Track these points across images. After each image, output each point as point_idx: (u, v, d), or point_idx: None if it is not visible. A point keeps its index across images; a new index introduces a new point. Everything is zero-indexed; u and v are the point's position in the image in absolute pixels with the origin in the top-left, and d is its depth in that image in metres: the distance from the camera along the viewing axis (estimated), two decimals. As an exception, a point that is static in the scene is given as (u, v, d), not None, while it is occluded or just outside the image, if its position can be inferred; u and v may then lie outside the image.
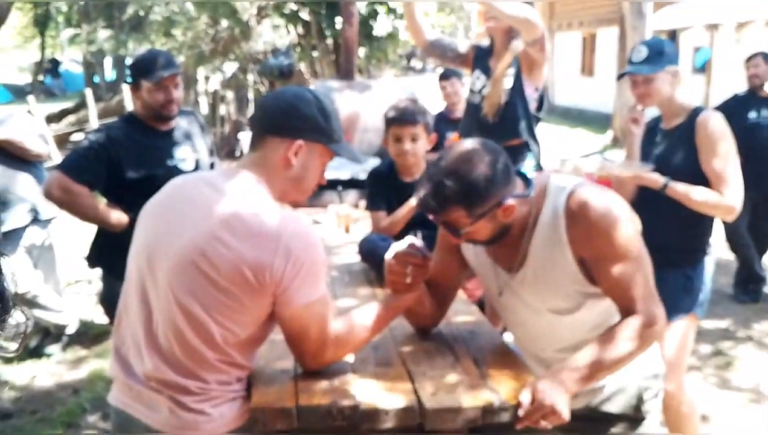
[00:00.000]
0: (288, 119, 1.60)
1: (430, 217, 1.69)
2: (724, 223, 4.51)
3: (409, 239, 1.76)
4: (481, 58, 3.29)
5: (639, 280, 1.65)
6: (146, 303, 1.58)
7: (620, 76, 2.64)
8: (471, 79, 3.31)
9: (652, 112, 2.66)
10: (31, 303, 3.92)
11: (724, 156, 2.43)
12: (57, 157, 5.31)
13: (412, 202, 2.62)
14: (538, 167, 3.21)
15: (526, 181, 1.74)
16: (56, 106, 15.63)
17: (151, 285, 1.57)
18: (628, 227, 1.64)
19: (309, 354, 1.62)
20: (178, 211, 1.58)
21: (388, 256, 1.75)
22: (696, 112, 2.51)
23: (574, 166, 2.65)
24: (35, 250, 3.89)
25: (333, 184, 3.76)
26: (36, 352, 4.06)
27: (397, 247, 1.75)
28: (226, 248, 1.48)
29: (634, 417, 1.91)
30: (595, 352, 1.62)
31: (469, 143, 1.67)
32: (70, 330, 4.16)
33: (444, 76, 4.70)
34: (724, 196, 2.41)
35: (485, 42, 3.35)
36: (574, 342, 1.75)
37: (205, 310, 1.50)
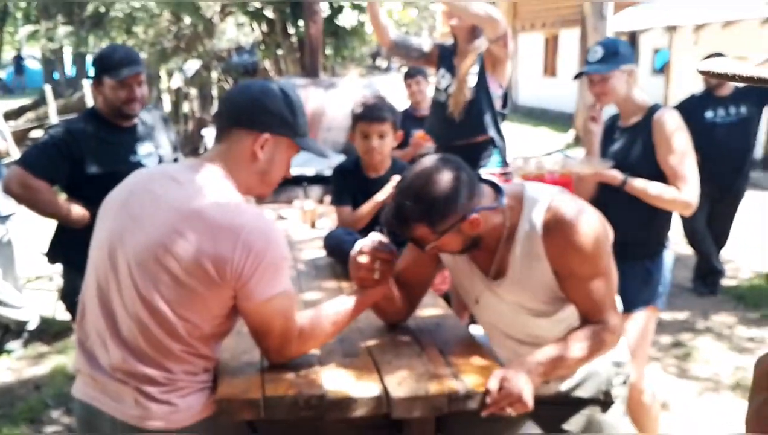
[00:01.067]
0: (255, 112, 1.60)
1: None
2: (683, 218, 4.62)
3: (375, 235, 1.78)
4: (445, 57, 3.32)
5: (606, 294, 1.74)
6: (108, 296, 1.57)
7: (577, 76, 2.69)
8: (436, 77, 3.34)
9: (610, 111, 2.71)
10: None
11: (680, 152, 2.50)
12: (15, 153, 5.19)
13: (378, 197, 2.64)
14: (503, 163, 3.26)
15: (496, 189, 1.76)
16: (15, 103, 15.30)
17: (112, 278, 1.56)
18: (602, 245, 1.71)
19: (273, 347, 1.63)
20: (140, 205, 1.57)
21: (354, 251, 1.76)
22: (652, 109, 2.57)
23: (536, 163, 2.69)
24: None
25: (298, 180, 3.76)
26: None
27: (363, 242, 1.77)
28: (187, 242, 1.48)
29: (604, 401, 1.96)
30: (559, 350, 1.70)
31: (429, 160, 1.71)
32: (31, 326, 4.09)
33: (409, 75, 4.73)
34: (681, 191, 2.48)
35: (449, 41, 3.39)
36: (548, 337, 1.79)
37: (167, 303, 1.50)
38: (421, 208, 1.63)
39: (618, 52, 2.56)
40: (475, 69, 3.16)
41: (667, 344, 4.12)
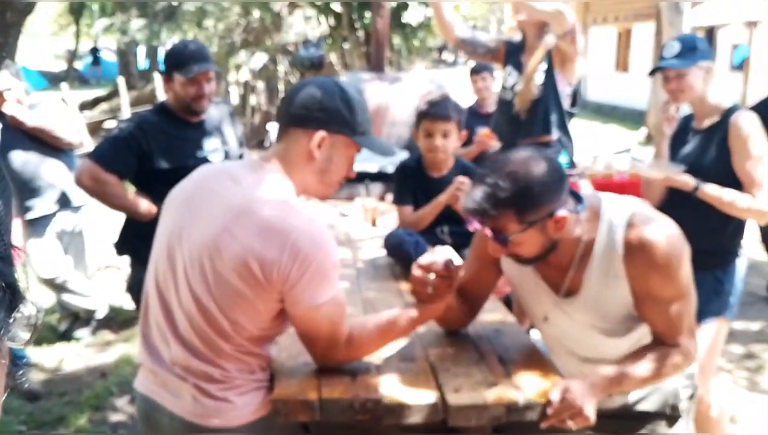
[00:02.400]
0: (310, 110, 1.57)
1: (476, 225, 1.62)
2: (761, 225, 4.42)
3: (441, 249, 1.70)
4: (512, 54, 3.25)
5: (685, 316, 1.67)
6: (167, 292, 1.59)
7: (652, 72, 2.58)
8: (503, 75, 3.28)
9: (683, 111, 2.61)
10: (61, 288, 3.99)
11: (758, 158, 2.38)
12: (89, 144, 5.37)
13: (441, 198, 2.60)
14: (571, 164, 3.18)
15: (577, 199, 1.68)
16: (90, 94, 15.87)
17: (170, 275, 1.58)
18: (686, 267, 1.63)
19: (320, 353, 1.62)
20: (199, 203, 1.58)
21: (416, 264, 1.69)
22: (729, 111, 2.46)
23: (605, 163, 2.61)
24: (65, 235, 3.94)
25: (360, 177, 3.74)
26: (65, 336, 4.14)
27: (427, 256, 1.69)
28: (236, 241, 1.47)
29: (671, 415, 1.89)
30: (627, 367, 1.64)
31: (525, 150, 1.64)
32: (99, 315, 4.23)
33: (475, 71, 4.67)
34: (757, 199, 2.36)
35: (517, 37, 3.32)
36: (616, 357, 1.72)
37: (215, 303, 1.50)
38: (515, 190, 1.53)
39: (696, 48, 2.46)
40: (543, 66, 3.08)
41: (738, 356, 3.96)
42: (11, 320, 0.51)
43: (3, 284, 0.50)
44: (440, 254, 1.68)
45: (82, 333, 4.18)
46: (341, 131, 1.60)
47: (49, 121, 3.72)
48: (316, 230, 1.51)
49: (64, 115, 3.95)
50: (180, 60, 2.75)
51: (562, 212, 1.57)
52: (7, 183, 0.58)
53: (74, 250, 4.02)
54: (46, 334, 4.13)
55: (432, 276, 1.65)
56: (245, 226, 1.48)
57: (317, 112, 1.57)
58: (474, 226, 1.65)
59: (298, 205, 1.55)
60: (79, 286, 4.06)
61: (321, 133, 1.57)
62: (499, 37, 3.53)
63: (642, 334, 1.74)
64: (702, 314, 2.42)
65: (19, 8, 3.84)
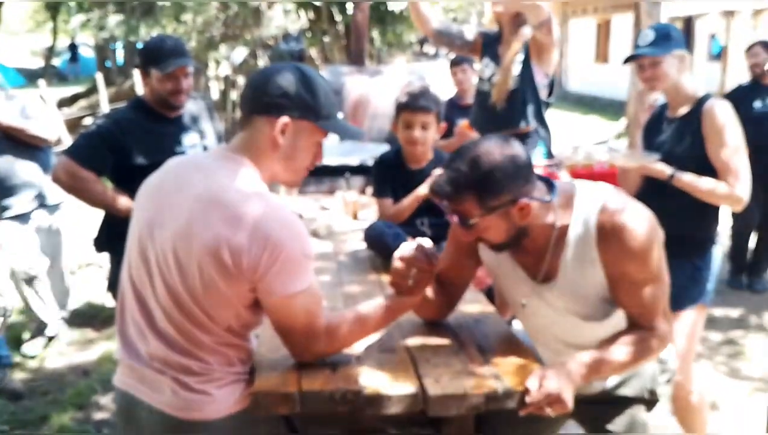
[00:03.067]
0: (271, 97, 1.55)
1: (443, 205, 1.66)
2: (736, 213, 4.49)
3: (419, 241, 1.72)
4: (489, 46, 3.26)
5: (659, 299, 1.69)
6: (142, 287, 1.58)
7: (628, 59, 2.60)
8: (480, 66, 3.29)
9: (661, 101, 2.63)
10: (29, 283, 3.85)
11: (732, 145, 2.41)
12: (67, 141, 5.32)
13: (420, 190, 2.61)
14: (549, 154, 3.19)
15: (550, 186, 1.70)
16: (68, 91, 15.69)
17: (144, 269, 1.57)
18: (658, 250, 1.65)
19: (297, 345, 1.61)
20: (167, 195, 1.57)
21: (396, 256, 1.71)
22: (702, 100, 2.48)
23: (585, 153, 2.63)
24: (42, 233, 3.87)
25: (340, 170, 3.75)
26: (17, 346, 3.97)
27: (406, 248, 1.71)
28: (205, 231, 1.46)
29: (650, 399, 1.92)
30: (603, 353, 1.66)
31: (494, 138, 1.66)
32: (49, 332, 4.00)
33: (455, 62, 4.67)
34: (733, 186, 2.39)
35: (493, 29, 3.32)
36: (593, 341, 1.74)
37: (189, 294, 1.50)
38: (475, 176, 1.57)
39: (670, 36, 2.48)
40: (520, 57, 3.09)
41: (717, 342, 4.01)
42: None
43: None
44: (420, 246, 1.70)
45: (31, 349, 3.95)
46: (304, 116, 1.57)
47: (22, 120, 3.64)
48: (286, 219, 1.50)
49: (43, 112, 3.89)
50: (157, 55, 2.73)
51: (525, 200, 1.60)
52: None
53: (51, 248, 3.95)
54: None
55: (412, 272, 1.68)
56: (214, 216, 1.47)
57: (279, 98, 1.55)
58: (452, 217, 1.66)
59: (267, 194, 1.54)
60: (44, 291, 3.93)
61: (284, 120, 1.55)
62: (476, 29, 3.53)
63: (620, 318, 1.75)
64: (680, 301, 2.45)
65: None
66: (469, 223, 1.64)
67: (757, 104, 4.47)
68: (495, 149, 1.60)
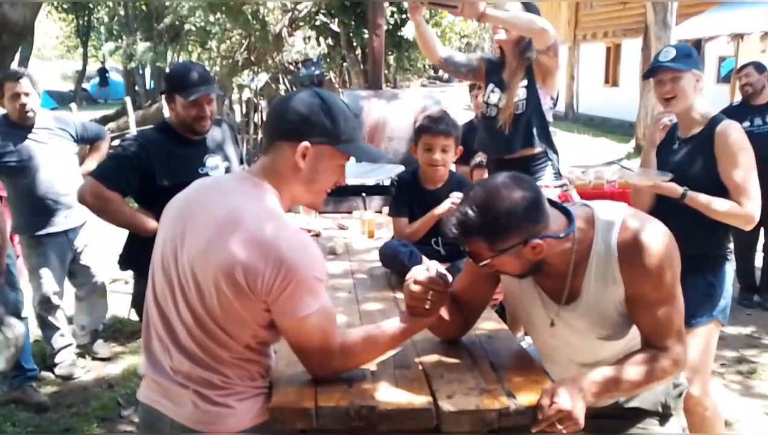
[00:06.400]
0: (293, 123, 1.60)
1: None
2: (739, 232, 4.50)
3: (433, 264, 1.75)
4: (493, 72, 3.30)
5: (675, 320, 1.70)
6: (165, 303, 1.63)
7: (647, 73, 2.60)
8: (485, 92, 3.32)
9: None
10: (47, 310, 3.86)
11: (744, 166, 2.43)
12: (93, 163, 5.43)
13: (436, 211, 2.65)
14: (557, 175, 3.22)
15: (567, 214, 1.72)
16: (98, 113, 15.98)
17: (167, 286, 1.62)
18: (675, 269, 1.67)
19: (313, 363, 1.65)
20: (189, 216, 1.62)
21: (410, 276, 1.74)
22: (715, 121, 2.51)
23: (596, 173, 2.66)
24: (69, 252, 3.93)
25: (358, 190, 3.81)
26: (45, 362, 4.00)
27: (419, 270, 1.74)
28: (223, 252, 1.50)
29: (662, 413, 1.93)
30: (615, 372, 1.67)
31: (503, 176, 1.66)
32: (60, 358, 3.95)
33: (472, 87, 4.72)
34: (744, 206, 2.42)
35: (496, 55, 3.36)
36: (609, 361, 1.76)
37: (207, 313, 1.54)
38: (483, 221, 1.59)
39: (690, 55, 2.52)
40: (524, 82, 3.13)
41: (731, 359, 3.99)
42: None
43: None
44: (434, 270, 1.73)
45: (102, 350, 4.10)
46: (324, 141, 1.61)
47: (97, 156, 3.92)
48: (301, 242, 1.54)
49: (92, 128, 4.06)
50: (182, 83, 2.81)
51: (536, 241, 1.61)
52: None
53: (78, 267, 4.02)
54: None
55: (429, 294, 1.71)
56: (232, 238, 1.51)
57: (299, 124, 1.59)
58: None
59: (284, 218, 1.58)
60: (61, 320, 3.95)
61: (304, 145, 1.59)
62: (479, 56, 3.58)
63: (635, 336, 1.77)
64: (695, 318, 2.46)
65: (15, 30, 3.88)
66: (481, 263, 1.67)
67: (746, 124, 4.48)
68: (503, 191, 1.60)
